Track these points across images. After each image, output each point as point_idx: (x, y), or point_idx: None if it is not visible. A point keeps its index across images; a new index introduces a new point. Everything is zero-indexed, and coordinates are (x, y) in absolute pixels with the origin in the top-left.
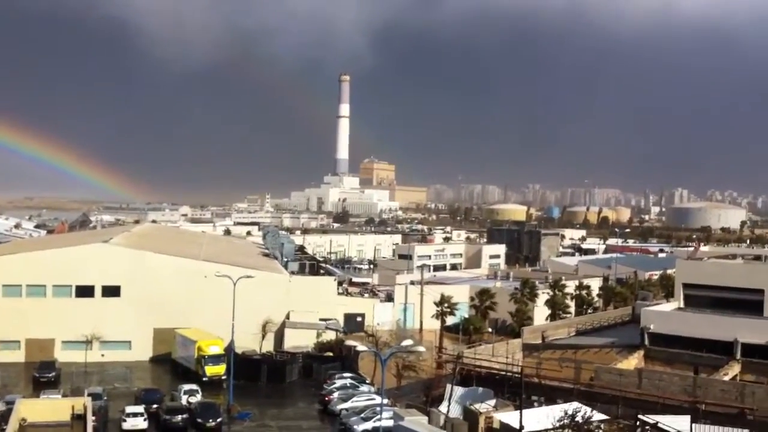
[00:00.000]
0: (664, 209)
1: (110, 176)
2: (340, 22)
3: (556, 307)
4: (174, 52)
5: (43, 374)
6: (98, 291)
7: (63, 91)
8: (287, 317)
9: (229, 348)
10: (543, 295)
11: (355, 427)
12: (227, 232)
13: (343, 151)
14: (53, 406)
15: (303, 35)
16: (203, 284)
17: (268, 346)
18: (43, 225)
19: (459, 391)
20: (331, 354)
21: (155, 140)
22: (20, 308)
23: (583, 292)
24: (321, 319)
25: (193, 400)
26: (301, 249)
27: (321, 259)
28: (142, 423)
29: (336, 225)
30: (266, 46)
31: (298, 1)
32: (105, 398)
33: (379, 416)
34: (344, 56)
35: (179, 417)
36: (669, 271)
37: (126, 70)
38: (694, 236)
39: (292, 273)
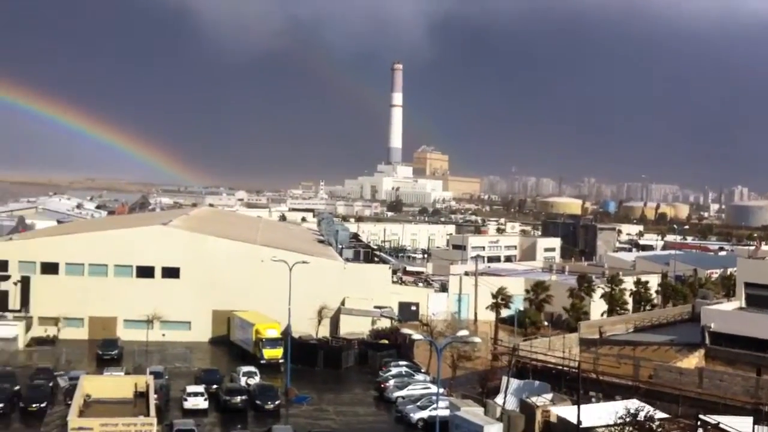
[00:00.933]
0: (723, 207)
1: (168, 159)
2: (397, 12)
3: (613, 303)
4: (233, 38)
5: (106, 352)
6: (158, 272)
7: (125, 75)
8: (342, 304)
9: (287, 332)
10: (599, 290)
11: (411, 415)
12: (283, 217)
13: (396, 140)
14: (116, 383)
15: (360, 24)
16: (260, 268)
17: (324, 331)
18: (103, 206)
19: (515, 383)
20: (386, 342)
21: (212, 125)
22: (83, 287)
23: (641, 289)
24: (376, 307)
25: (251, 382)
26: (356, 236)
27: (375, 247)
28: (202, 403)
29: (390, 214)
30: (323, 34)
31: None
32: (166, 377)
33: (435, 405)
34: (400, 46)
35: (239, 398)
36: (729, 270)
37: (186, 56)
38: (756, 235)
39: (347, 260)
